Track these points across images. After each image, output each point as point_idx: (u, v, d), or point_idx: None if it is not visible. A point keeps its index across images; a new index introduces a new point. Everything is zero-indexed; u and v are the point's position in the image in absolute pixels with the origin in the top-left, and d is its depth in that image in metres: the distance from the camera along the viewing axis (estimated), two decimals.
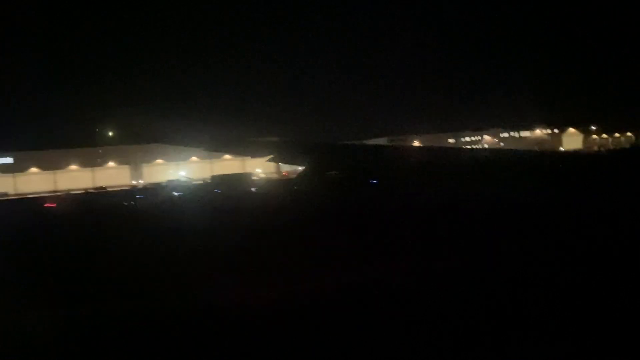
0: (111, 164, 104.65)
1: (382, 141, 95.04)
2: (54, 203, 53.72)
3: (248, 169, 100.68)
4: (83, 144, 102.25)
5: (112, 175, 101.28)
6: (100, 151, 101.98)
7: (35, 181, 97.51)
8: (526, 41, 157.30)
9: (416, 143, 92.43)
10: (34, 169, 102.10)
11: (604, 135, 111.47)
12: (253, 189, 59.30)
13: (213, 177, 74.83)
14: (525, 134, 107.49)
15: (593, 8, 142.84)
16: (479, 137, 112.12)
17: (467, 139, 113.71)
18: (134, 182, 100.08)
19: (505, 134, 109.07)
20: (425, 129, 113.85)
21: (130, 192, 68.76)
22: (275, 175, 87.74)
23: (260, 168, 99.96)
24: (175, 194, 54.57)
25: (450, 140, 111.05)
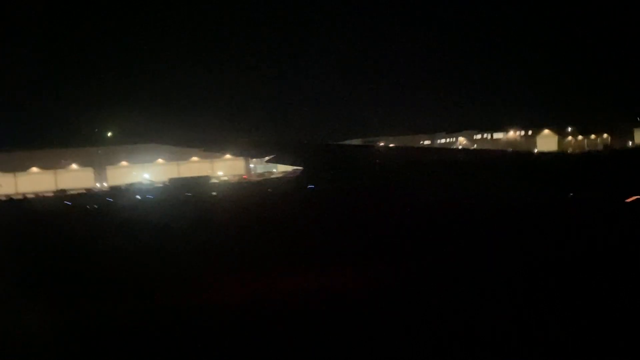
0: (74, 166, 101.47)
1: (356, 143, 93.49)
2: None
3: (217, 171, 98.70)
4: (45, 145, 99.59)
5: (75, 177, 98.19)
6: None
7: None
8: (501, 43, 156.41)
9: (391, 144, 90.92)
10: None
11: (580, 137, 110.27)
12: (213, 193, 57.61)
13: (171, 180, 73.08)
14: (498, 135, 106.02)
15: (569, 10, 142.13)
16: (454, 139, 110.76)
17: (442, 140, 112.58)
18: (98, 185, 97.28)
19: (479, 136, 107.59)
20: (399, 130, 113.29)
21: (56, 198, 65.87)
22: (235, 179, 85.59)
23: (222, 171, 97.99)
24: (109, 199, 52.24)
25: (426, 142, 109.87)
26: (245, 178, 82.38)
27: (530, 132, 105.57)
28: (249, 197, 45.62)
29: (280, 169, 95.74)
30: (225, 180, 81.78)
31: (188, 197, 44.94)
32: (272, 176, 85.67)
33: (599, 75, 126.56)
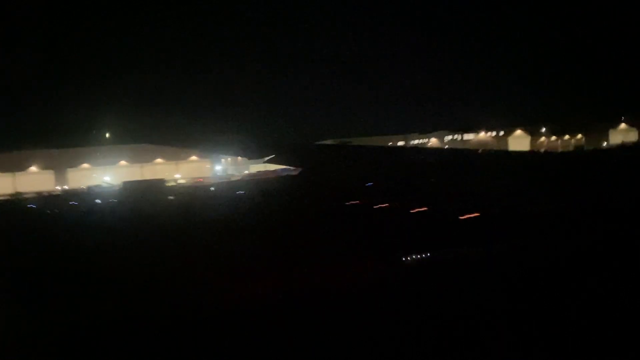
0: (33, 168, 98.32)
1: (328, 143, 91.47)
2: None
3: (181, 173, 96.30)
4: (3, 148, 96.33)
5: (35, 180, 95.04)
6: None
7: None
8: (473, 44, 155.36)
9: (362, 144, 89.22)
10: None
11: (553, 137, 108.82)
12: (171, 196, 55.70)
13: (125, 183, 70.58)
14: (469, 136, 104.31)
15: (544, 10, 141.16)
16: (426, 140, 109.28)
17: (415, 141, 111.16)
18: (58, 188, 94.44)
19: (450, 137, 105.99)
20: (373, 130, 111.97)
21: None
22: (191, 181, 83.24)
23: (187, 173, 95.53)
24: (31, 205, 50.00)
25: (400, 143, 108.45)
26: (200, 181, 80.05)
27: (502, 133, 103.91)
28: (189, 200, 44.12)
29: (254, 170, 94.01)
30: (179, 184, 79.24)
31: (112, 202, 43.19)
32: (233, 179, 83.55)
33: (574, 75, 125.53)
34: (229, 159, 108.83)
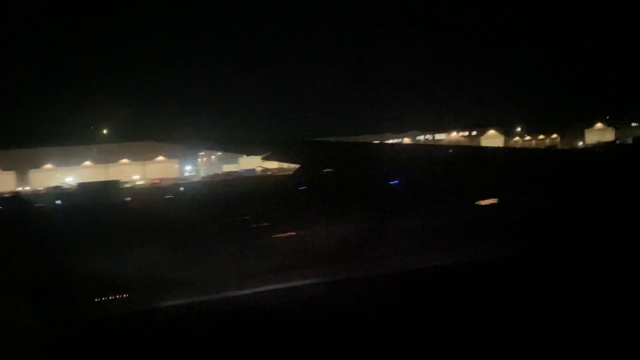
0: None
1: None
2: None
3: (149, 174, 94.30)
4: None
5: None
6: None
7: None
8: (445, 42, 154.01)
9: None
10: None
11: (528, 137, 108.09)
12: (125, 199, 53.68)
13: (80, 185, 68.37)
14: (440, 136, 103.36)
15: (517, 8, 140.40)
16: (400, 140, 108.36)
17: (390, 141, 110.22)
18: (20, 189, 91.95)
19: (422, 137, 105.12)
20: (348, 130, 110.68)
21: None
22: (148, 183, 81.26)
23: (154, 174, 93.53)
24: None
25: (375, 142, 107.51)
26: (157, 182, 78.23)
27: (474, 133, 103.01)
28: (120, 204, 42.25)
29: (226, 169, 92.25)
30: (136, 185, 77.25)
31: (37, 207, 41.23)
32: (194, 180, 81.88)
33: (548, 74, 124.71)
34: (204, 158, 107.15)
